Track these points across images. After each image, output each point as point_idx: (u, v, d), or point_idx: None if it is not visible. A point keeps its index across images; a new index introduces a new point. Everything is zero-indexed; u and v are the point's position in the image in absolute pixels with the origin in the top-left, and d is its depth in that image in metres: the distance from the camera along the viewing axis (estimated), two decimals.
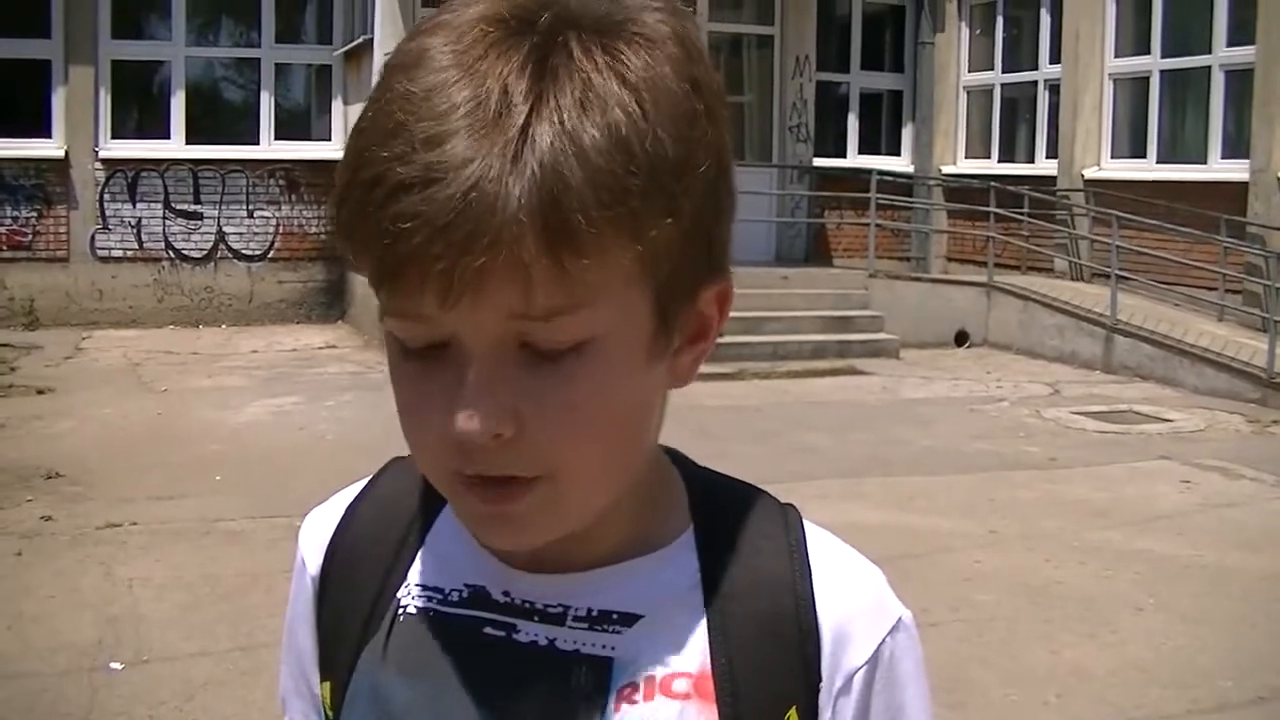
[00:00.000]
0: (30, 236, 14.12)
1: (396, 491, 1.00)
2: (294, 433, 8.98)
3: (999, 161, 16.41)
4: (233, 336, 13.80)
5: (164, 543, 6.32)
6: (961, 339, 13.81)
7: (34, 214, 14.11)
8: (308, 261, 14.98)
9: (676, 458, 0.98)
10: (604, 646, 0.90)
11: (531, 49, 0.77)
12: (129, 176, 14.36)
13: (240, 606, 5.40)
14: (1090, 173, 14.57)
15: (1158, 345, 11.79)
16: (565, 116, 0.75)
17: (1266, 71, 12.29)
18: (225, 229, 14.71)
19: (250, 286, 14.81)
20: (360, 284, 13.94)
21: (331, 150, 14.83)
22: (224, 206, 14.69)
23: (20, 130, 13.97)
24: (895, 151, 17.21)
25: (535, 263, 0.75)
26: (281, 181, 14.84)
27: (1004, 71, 16.49)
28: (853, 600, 0.92)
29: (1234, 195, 12.53)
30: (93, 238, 14.28)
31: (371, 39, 13.06)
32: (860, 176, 15.07)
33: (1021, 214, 14.48)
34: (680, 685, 0.89)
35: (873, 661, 0.91)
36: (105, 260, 14.34)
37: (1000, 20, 16.51)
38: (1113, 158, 14.60)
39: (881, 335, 13.19)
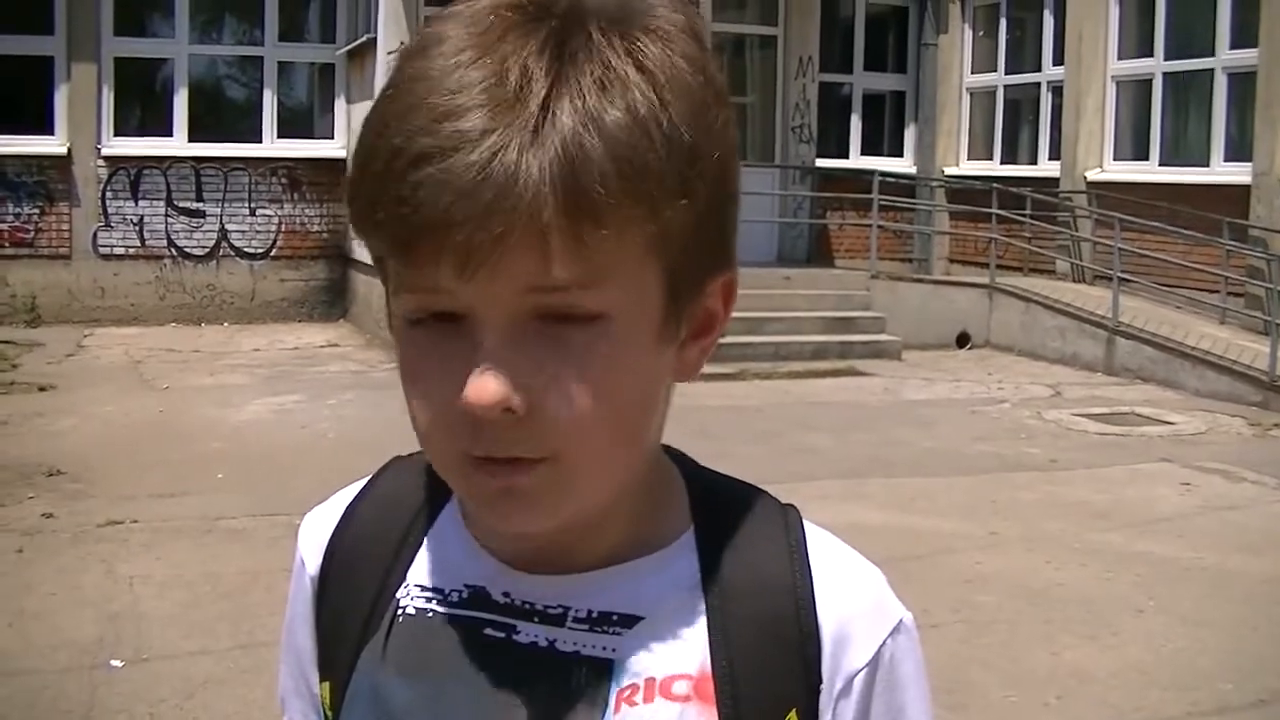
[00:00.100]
0: (32, 233, 14.12)
1: (396, 491, 1.00)
2: (295, 431, 8.98)
3: (1001, 163, 16.41)
4: (235, 334, 13.80)
5: (165, 540, 6.32)
6: (963, 340, 13.81)
7: (36, 211, 14.12)
8: (310, 260, 14.98)
9: (677, 457, 0.97)
10: (604, 648, 0.90)
11: (550, 33, 0.79)
12: (131, 174, 14.36)
13: (241, 605, 5.40)
14: (1093, 175, 14.57)
15: (1159, 348, 11.79)
16: (585, 96, 0.77)
17: (1269, 74, 12.29)
18: (228, 227, 14.71)
19: (252, 284, 14.81)
20: (362, 283, 13.98)
21: (334, 149, 14.85)
22: (226, 204, 14.69)
23: (23, 127, 13.97)
24: (898, 153, 17.21)
25: (554, 232, 0.76)
26: (284, 180, 14.84)
27: (1007, 73, 16.48)
28: (853, 602, 0.92)
29: (1236, 198, 12.52)
30: (95, 235, 14.29)
31: (375, 38, 13.06)
32: (863, 177, 15.06)
33: (1024, 216, 14.47)
34: (680, 687, 0.89)
35: (873, 663, 0.91)
36: (107, 258, 14.34)
37: (1003, 22, 16.51)
38: (1115, 160, 14.59)
39: (883, 336, 13.18)
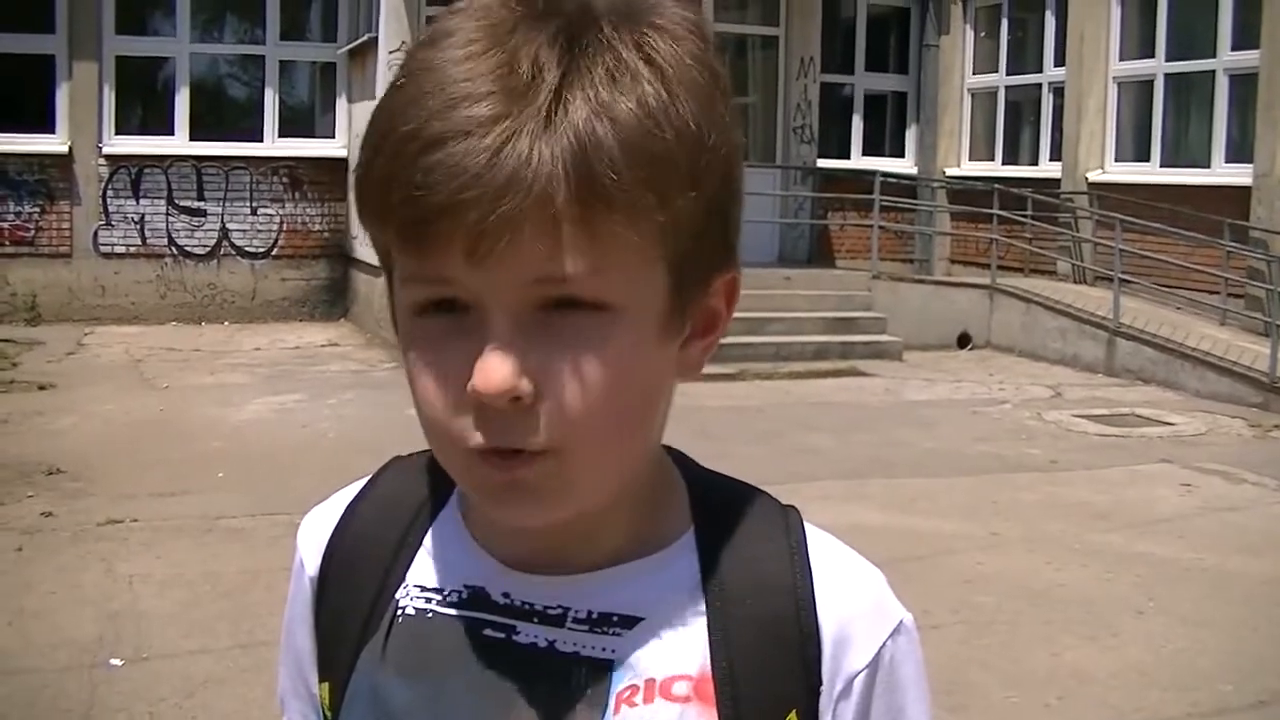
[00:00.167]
0: (33, 232, 14.12)
1: (396, 491, 0.99)
2: (296, 430, 8.98)
3: (1003, 164, 16.40)
4: (235, 334, 13.80)
5: (165, 539, 6.32)
6: (964, 341, 13.81)
7: (37, 209, 14.12)
8: (311, 259, 14.98)
9: (678, 458, 0.97)
10: (604, 649, 0.89)
11: (560, 27, 0.80)
12: (132, 172, 14.37)
13: (241, 604, 5.40)
14: (1094, 176, 14.56)
15: (1160, 349, 11.78)
16: (598, 86, 0.78)
17: (1271, 76, 12.29)
18: (229, 226, 14.71)
19: (253, 284, 14.81)
20: (364, 282, 13.98)
21: (336, 148, 14.85)
22: (227, 203, 14.69)
23: (24, 125, 13.97)
24: (899, 153, 17.20)
25: (566, 216, 0.76)
26: (285, 179, 14.84)
27: (1008, 74, 16.48)
28: (854, 603, 0.92)
29: (1237, 199, 12.52)
30: (96, 233, 14.29)
31: (376, 37, 13.07)
32: (864, 178, 15.06)
33: (1025, 217, 14.47)
34: (680, 688, 0.89)
35: (873, 665, 0.91)
36: (108, 256, 14.34)
37: (1005, 23, 16.50)
38: (1116, 161, 14.59)
39: (884, 337, 13.18)
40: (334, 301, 15.00)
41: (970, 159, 17.00)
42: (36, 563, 5.93)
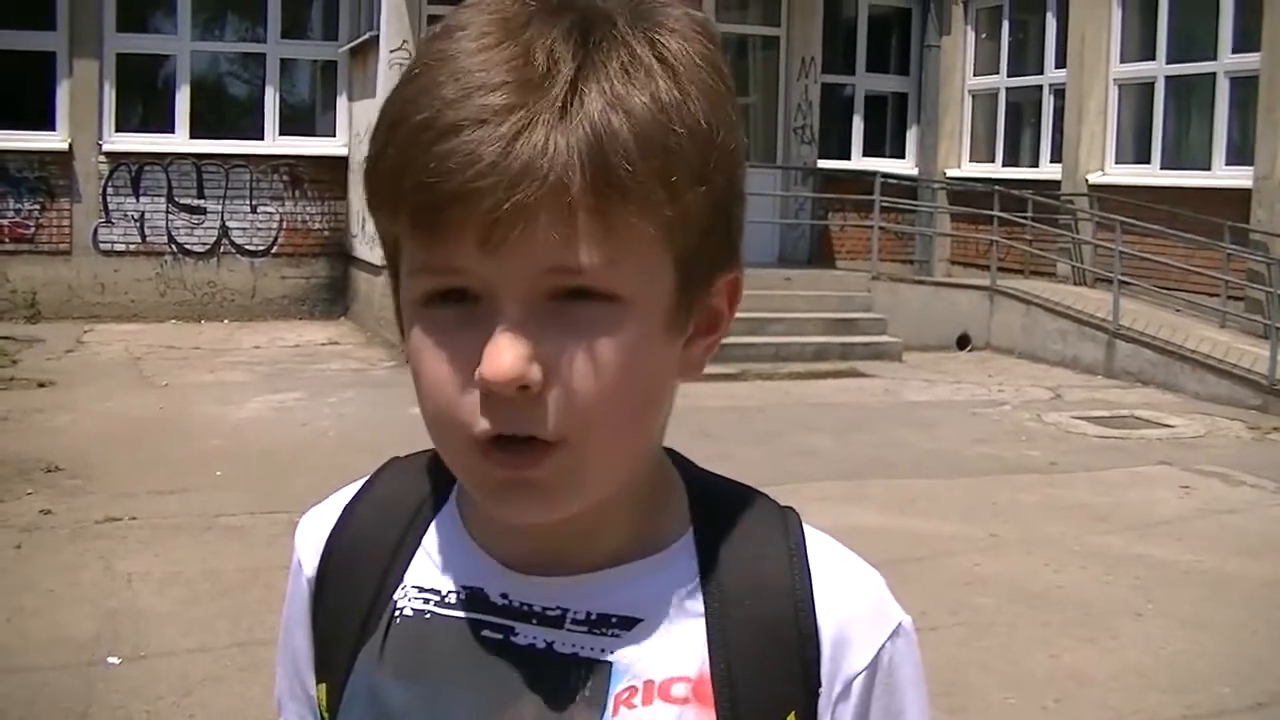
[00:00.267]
0: (33, 229, 14.11)
1: (395, 492, 0.99)
2: (295, 429, 8.98)
3: (1003, 165, 16.40)
4: (235, 332, 13.80)
5: (164, 537, 6.32)
6: (964, 342, 13.80)
7: (37, 207, 14.11)
8: (311, 257, 14.98)
9: (677, 459, 0.97)
10: (602, 650, 0.89)
11: (574, 22, 0.80)
12: (132, 170, 14.36)
13: (240, 602, 5.39)
14: (1094, 178, 14.56)
15: (1159, 351, 11.78)
16: (612, 80, 0.79)
17: (1271, 78, 12.28)
18: (229, 224, 14.71)
19: (253, 282, 14.81)
20: (364, 281, 13.98)
21: (336, 146, 14.85)
22: (227, 201, 14.69)
23: (24, 123, 13.96)
24: (899, 154, 17.20)
25: (581, 205, 0.77)
26: (285, 177, 14.84)
27: (1009, 75, 16.47)
28: (852, 605, 0.92)
29: (1237, 202, 12.52)
30: (95, 231, 14.28)
31: (377, 35, 13.06)
32: (864, 179, 15.05)
33: (1025, 218, 14.46)
34: (679, 690, 0.89)
35: (872, 667, 0.91)
36: (108, 254, 14.33)
37: (1006, 24, 16.50)
38: (1117, 163, 14.59)
39: (884, 338, 13.18)
40: (334, 300, 14.99)
41: (971, 160, 17.00)
42: (35, 560, 5.93)
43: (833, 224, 16.10)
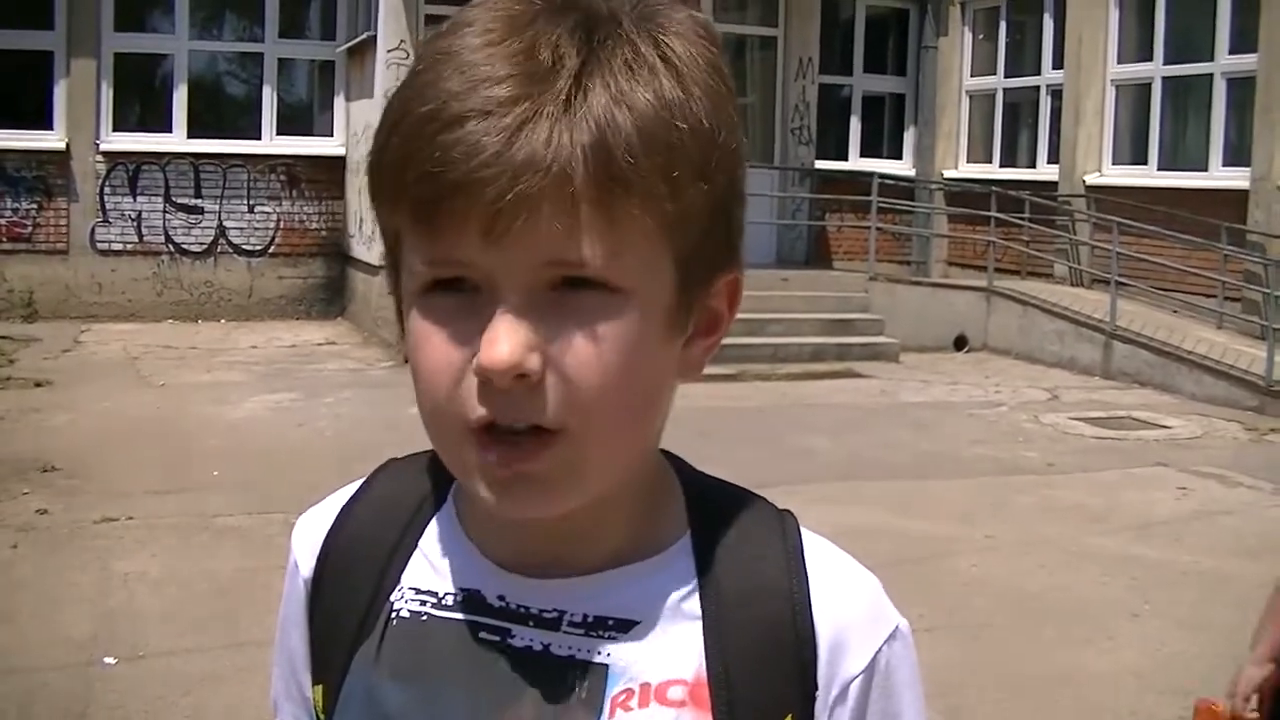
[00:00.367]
0: (30, 229, 14.09)
1: (392, 493, 0.99)
2: (292, 429, 8.97)
3: (1000, 166, 16.41)
4: (232, 331, 13.79)
5: (160, 537, 6.31)
6: (961, 343, 13.80)
7: (34, 206, 14.09)
8: (308, 257, 14.96)
9: (675, 462, 0.97)
10: (599, 652, 0.89)
11: (579, 21, 0.81)
12: (130, 170, 14.34)
13: (237, 602, 5.38)
14: (1091, 178, 14.57)
15: (1156, 352, 11.79)
16: (616, 76, 0.80)
17: (1268, 79, 12.30)
18: (226, 224, 14.69)
19: (250, 282, 14.80)
20: (361, 281, 13.97)
21: (334, 146, 14.84)
22: (225, 201, 14.67)
23: (22, 122, 13.94)
24: (897, 155, 17.21)
25: (584, 197, 0.77)
26: (283, 177, 14.83)
27: (1006, 76, 16.48)
28: (850, 608, 0.92)
29: (1234, 203, 12.53)
30: (93, 231, 14.26)
31: (375, 35, 13.05)
32: (861, 179, 15.05)
33: (1022, 219, 14.47)
34: (676, 692, 0.88)
35: (869, 670, 0.91)
36: (105, 253, 14.31)
37: (1003, 25, 16.51)
38: (1114, 164, 14.60)
39: (881, 339, 13.19)
40: (331, 300, 14.98)
41: (968, 161, 17.01)
42: (32, 560, 5.92)
43: (830, 225, 16.09)
